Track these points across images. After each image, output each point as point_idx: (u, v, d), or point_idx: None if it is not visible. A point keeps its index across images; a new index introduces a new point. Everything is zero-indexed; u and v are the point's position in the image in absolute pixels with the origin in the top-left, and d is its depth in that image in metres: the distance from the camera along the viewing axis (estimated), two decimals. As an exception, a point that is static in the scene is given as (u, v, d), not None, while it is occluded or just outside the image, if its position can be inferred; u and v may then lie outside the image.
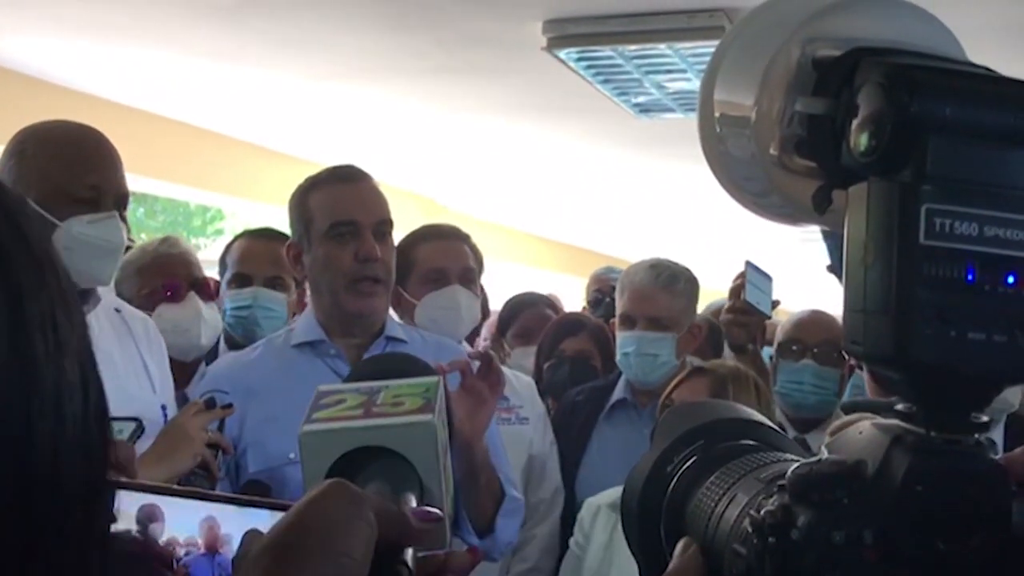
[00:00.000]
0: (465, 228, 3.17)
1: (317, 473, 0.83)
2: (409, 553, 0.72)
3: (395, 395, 0.92)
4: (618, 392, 3.13)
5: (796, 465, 0.64)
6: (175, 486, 0.92)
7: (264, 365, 2.32)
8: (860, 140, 0.63)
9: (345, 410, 0.90)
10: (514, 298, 4.17)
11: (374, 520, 0.67)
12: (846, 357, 3.03)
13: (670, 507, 0.79)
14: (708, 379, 2.48)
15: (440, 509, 0.83)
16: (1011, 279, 0.61)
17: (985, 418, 0.64)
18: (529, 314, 3.93)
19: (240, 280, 3.17)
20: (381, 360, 1.27)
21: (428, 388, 0.93)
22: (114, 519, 0.75)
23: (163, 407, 2.35)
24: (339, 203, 2.30)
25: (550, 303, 4.12)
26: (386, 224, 2.32)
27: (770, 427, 0.83)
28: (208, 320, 2.85)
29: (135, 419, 1.95)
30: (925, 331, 0.61)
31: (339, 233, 2.27)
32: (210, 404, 2.19)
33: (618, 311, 3.15)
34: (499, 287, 4.79)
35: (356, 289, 2.27)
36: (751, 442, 0.80)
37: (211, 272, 3.29)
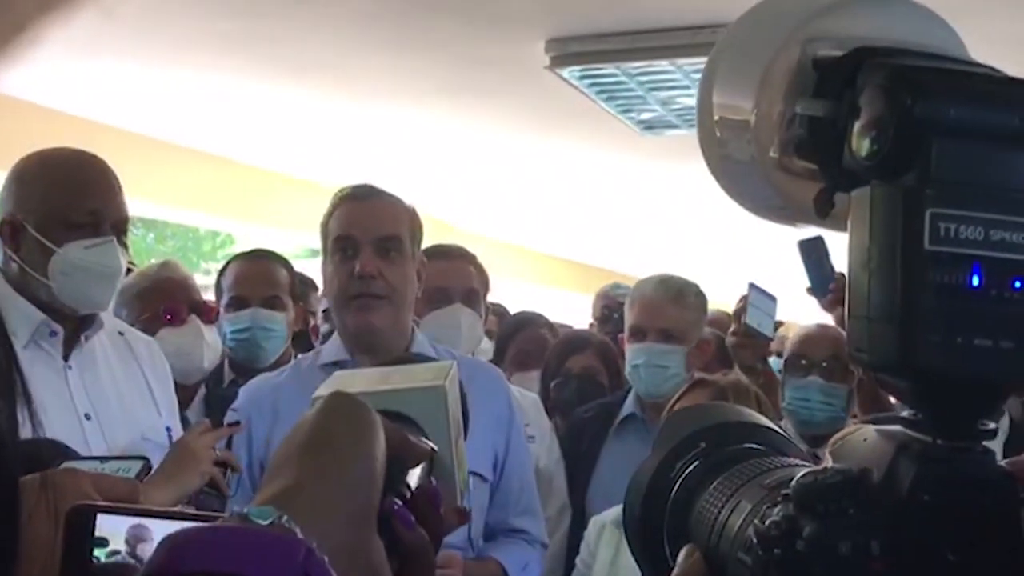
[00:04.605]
0: (471, 247, 3.17)
1: None
2: (416, 473, 0.72)
3: (409, 372, 0.94)
4: (627, 407, 3.12)
5: (801, 474, 0.62)
6: (158, 508, 0.92)
7: (290, 387, 2.30)
8: (862, 144, 0.62)
9: (358, 382, 0.91)
10: (509, 319, 4.13)
11: (381, 424, 0.68)
12: (855, 372, 3.01)
13: (673, 513, 0.77)
14: (709, 390, 2.48)
15: (450, 478, 0.83)
16: (1018, 284, 0.60)
17: (992, 425, 0.63)
18: (524, 337, 3.86)
19: (237, 303, 3.16)
20: (399, 360, 1.29)
21: (441, 367, 0.94)
22: (104, 542, 0.75)
23: (168, 429, 2.35)
24: (342, 220, 2.30)
25: (547, 323, 4.06)
26: (391, 240, 2.29)
27: (774, 430, 0.81)
28: (210, 343, 2.86)
29: (143, 458, 1.95)
30: (930, 338, 0.59)
31: (341, 249, 2.27)
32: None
33: (628, 324, 3.15)
34: (505, 305, 4.77)
35: (353, 306, 2.26)
36: (755, 446, 0.78)
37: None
